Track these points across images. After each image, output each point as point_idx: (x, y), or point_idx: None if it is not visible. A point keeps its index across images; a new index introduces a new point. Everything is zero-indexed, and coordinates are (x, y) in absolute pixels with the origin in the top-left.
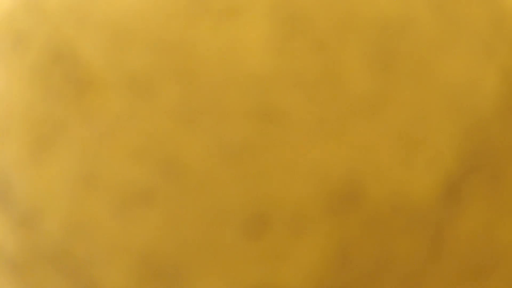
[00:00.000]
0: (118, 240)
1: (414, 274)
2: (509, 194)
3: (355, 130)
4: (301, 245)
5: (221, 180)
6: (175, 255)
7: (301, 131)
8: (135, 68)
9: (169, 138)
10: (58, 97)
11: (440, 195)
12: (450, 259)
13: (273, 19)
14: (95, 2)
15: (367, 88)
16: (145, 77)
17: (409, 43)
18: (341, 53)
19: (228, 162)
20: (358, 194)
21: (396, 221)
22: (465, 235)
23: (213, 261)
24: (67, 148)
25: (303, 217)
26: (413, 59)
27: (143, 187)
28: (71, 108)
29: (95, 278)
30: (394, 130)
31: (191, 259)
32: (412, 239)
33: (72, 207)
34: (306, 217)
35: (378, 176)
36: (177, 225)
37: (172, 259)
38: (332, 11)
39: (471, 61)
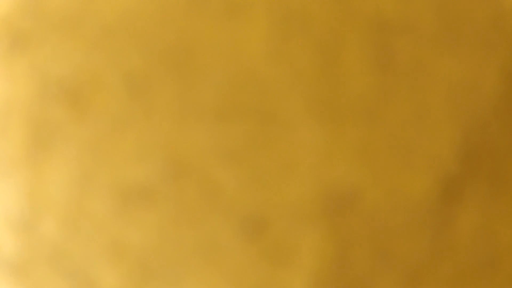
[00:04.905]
0: (116, 241)
1: (414, 274)
2: (509, 194)
3: (354, 131)
4: (300, 246)
5: (219, 181)
6: (174, 256)
7: (300, 132)
8: (133, 68)
9: (167, 139)
10: (56, 98)
11: (440, 195)
12: (450, 259)
13: (272, 19)
14: (91, 2)
15: (366, 88)
16: (143, 77)
17: (408, 43)
18: (340, 53)
19: (227, 162)
20: (357, 194)
21: (395, 222)
22: (465, 235)
23: (212, 261)
24: (64, 149)
25: (301, 218)
26: (413, 59)
27: (141, 188)
28: (68, 108)
29: (93, 279)
30: (393, 130)
31: (190, 259)
32: (412, 239)
33: (69, 208)
34: (305, 218)
35: (377, 177)
36: (176, 226)
37: (171, 260)
38: (331, 11)
39: (471, 61)
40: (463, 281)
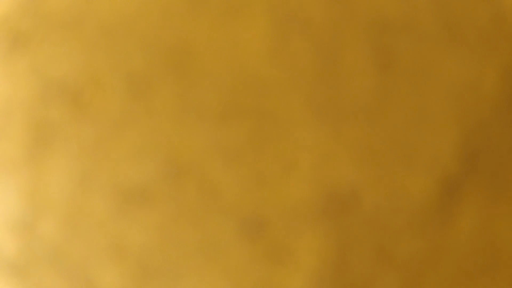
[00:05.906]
0: (115, 241)
1: (414, 274)
2: (509, 194)
3: (354, 131)
4: (299, 246)
5: (219, 181)
6: (174, 256)
7: (300, 132)
8: (133, 68)
9: (167, 139)
10: (56, 98)
11: (440, 195)
12: (450, 259)
13: (271, 19)
14: (91, 3)
15: (366, 88)
16: (143, 77)
17: (408, 43)
18: (340, 53)
19: (227, 162)
20: (357, 194)
21: (395, 222)
22: (465, 235)
23: (212, 261)
24: (65, 149)
25: (301, 218)
26: (413, 59)
27: (140, 188)
28: (68, 108)
29: (93, 279)
30: (393, 131)
31: (190, 259)
32: (412, 239)
33: (69, 208)
34: (304, 218)
35: (377, 177)
36: (175, 226)
37: (171, 260)
38: (331, 11)
39: (471, 60)
40: (463, 281)
